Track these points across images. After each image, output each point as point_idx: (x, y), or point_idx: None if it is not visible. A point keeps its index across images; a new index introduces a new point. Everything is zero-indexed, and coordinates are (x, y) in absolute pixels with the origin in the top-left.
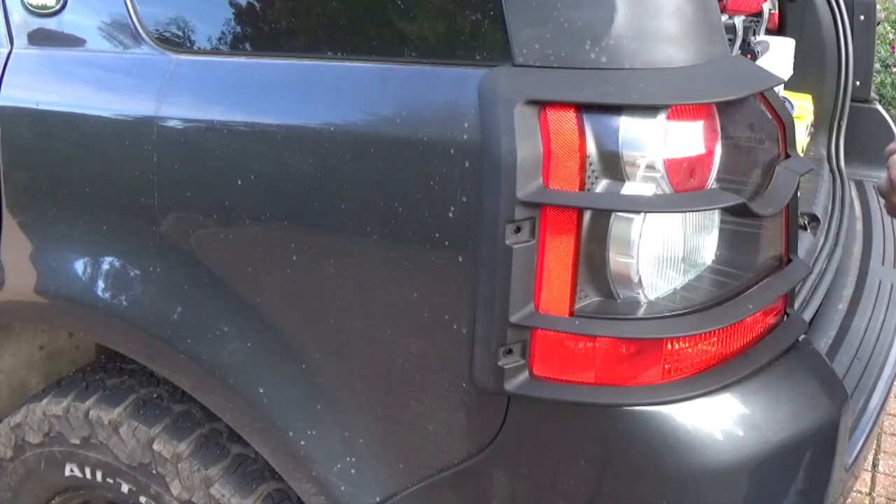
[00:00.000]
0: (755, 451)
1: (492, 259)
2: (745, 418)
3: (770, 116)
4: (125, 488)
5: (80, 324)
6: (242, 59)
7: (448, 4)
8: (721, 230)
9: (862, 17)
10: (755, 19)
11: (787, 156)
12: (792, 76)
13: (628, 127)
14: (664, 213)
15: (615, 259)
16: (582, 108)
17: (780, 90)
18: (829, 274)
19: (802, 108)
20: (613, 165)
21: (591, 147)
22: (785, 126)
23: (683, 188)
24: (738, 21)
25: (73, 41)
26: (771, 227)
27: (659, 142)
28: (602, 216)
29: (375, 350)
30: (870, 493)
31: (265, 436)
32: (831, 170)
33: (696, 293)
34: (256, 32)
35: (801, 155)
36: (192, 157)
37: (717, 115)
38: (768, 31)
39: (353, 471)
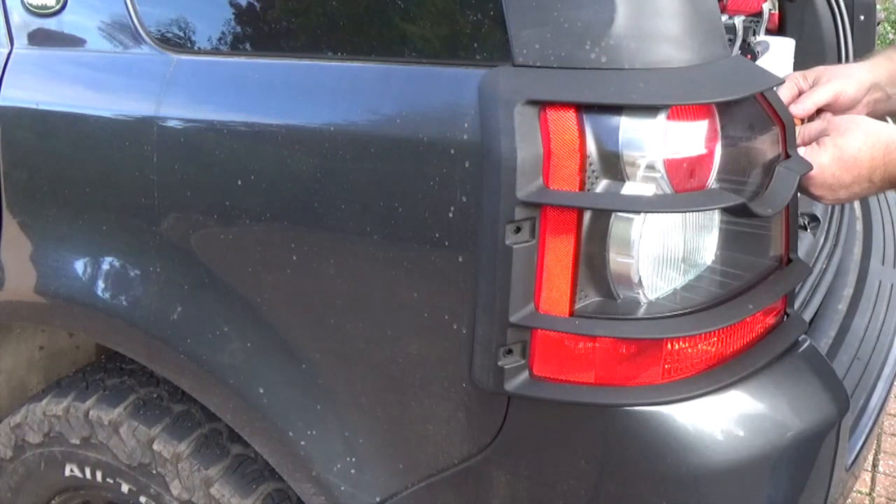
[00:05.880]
0: (755, 452)
1: (492, 259)
2: (746, 418)
3: (770, 116)
4: (125, 488)
5: (80, 324)
6: (242, 60)
7: (448, 4)
8: (721, 230)
9: (862, 17)
10: (755, 19)
11: (787, 156)
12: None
13: (628, 127)
14: (664, 214)
15: (615, 259)
16: (582, 108)
17: (784, 93)
18: (829, 274)
19: None
20: (613, 165)
21: (591, 147)
22: (785, 126)
23: (683, 188)
24: (738, 21)
25: (73, 41)
26: (771, 227)
27: (659, 142)
28: (602, 216)
29: (375, 350)
30: (870, 493)
31: (265, 436)
32: None
33: (696, 293)
34: (256, 32)
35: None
36: (192, 157)
37: (717, 116)
38: (768, 31)
39: (353, 471)
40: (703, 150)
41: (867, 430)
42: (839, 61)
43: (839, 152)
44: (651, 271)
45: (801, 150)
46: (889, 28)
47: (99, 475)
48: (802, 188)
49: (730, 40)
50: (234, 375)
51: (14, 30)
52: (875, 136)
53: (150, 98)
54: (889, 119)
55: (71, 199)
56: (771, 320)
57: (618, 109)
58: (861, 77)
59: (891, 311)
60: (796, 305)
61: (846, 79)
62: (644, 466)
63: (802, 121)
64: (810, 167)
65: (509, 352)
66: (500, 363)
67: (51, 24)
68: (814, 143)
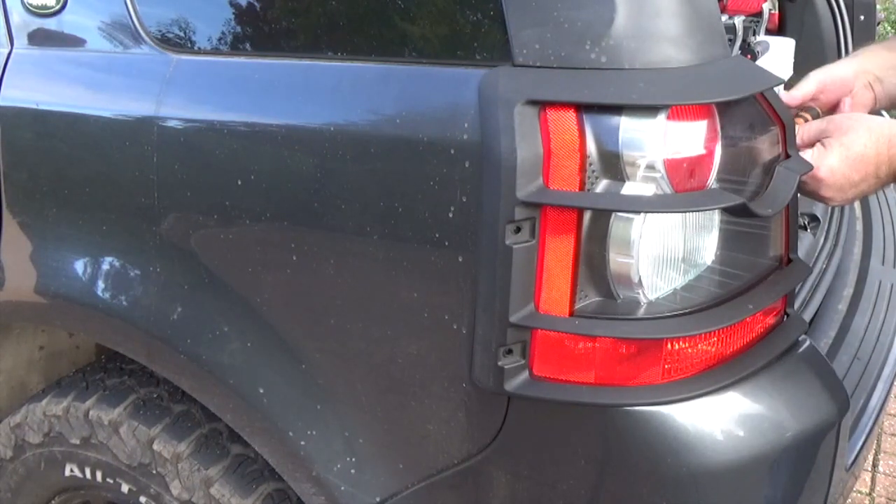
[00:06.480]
0: (755, 452)
1: (492, 259)
2: (746, 418)
3: (770, 116)
4: (125, 488)
5: (80, 324)
6: (242, 59)
7: (448, 4)
8: (721, 230)
9: (862, 17)
10: (755, 19)
11: (787, 156)
12: (792, 76)
13: (628, 127)
14: (664, 214)
15: (615, 259)
16: (582, 108)
17: (780, 90)
18: (829, 274)
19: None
20: (613, 165)
21: (591, 147)
22: (785, 126)
23: (683, 188)
24: (738, 21)
25: (73, 41)
26: (771, 227)
27: (659, 142)
28: (602, 216)
29: (375, 350)
30: (870, 493)
31: (265, 436)
32: None
33: (696, 293)
34: (256, 32)
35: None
36: (192, 157)
37: (717, 115)
38: (768, 31)
39: (353, 471)
40: (702, 150)
41: (867, 430)
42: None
43: (846, 151)
44: (651, 271)
45: (807, 155)
46: (889, 28)
47: (99, 475)
48: (812, 193)
49: (730, 40)
50: (234, 375)
51: (14, 30)
52: (878, 130)
53: (150, 98)
54: (884, 113)
55: (71, 199)
56: (771, 320)
57: (618, 109)
58: (846, 62)
59: (891, 311)
60: (796, 305)
61: (830, 66)
62: (644, 466)
63: (806, 120)
64: (810, 167)
65: (509, 352)
66: (500, 363)
67: (51, 24)
68: (818, 146)
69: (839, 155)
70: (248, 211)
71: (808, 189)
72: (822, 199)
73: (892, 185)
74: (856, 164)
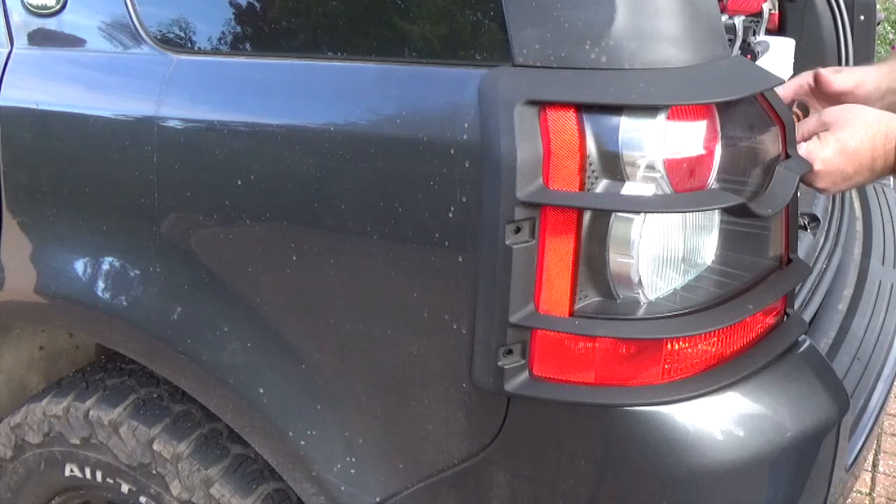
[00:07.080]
0: (755, 452)
1: (492, 259)
2: (746, 418)
3: (770, 116)
4: (125, 488)
5: (80, 324)
6: (242, 60)
7: (448, 4)
8: (721, 230)
9: (862, 17)
10: (755, 19)
11: (787, 156)
12: (792, 76)
13: (628, 127)
14: (664, 214)
15: (615, 259)
16: (582, 108)
17: (780, 90)
18: (829, 274)
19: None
20: (613, 165)
21: (591, 147)
22: (785, 126)
23: (683, 188)
24: (738, 21)
25: (73, 41)
26: (771, 227)
27: (659, 142)
28: (602, 216)
29: (375, 350)
30: (870, 493)
31: (265, 436)
32: None
33: (696, 293)
34: (256, 32)
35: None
36: (192, 157)
37: (717, 116)
38: (768, 31)
39: (353, 471)
40: (702, 150)
41: (867, 430)
42: (839, 61)
43: (841, 146)
44: (651, 271)
45: (802, 146)
46: (889, 28)
47: (99, 475)
48: (807, 181)
49: (730, 40)
50: (234, 375)
51: (14, 30)
52: (875, 125)
53: (150, 98)
54: None
55: (71, 199)
56: (771, 320)
57: (618, 109)
58: (876, 74)
59: (891, 311)
60: (796, 305)
61: (862, 73)
62: (644, 466)
63: (799, 118)
64: (810, 167)
65: (509, 352)
66: (500, 363)
67: (51, 24)
68: (814, 138)
69: (834, 149)
70: (248, 211)
71: (803, 179)
72: (816, 189)
73: (891, 176)
74: (850, 158)
